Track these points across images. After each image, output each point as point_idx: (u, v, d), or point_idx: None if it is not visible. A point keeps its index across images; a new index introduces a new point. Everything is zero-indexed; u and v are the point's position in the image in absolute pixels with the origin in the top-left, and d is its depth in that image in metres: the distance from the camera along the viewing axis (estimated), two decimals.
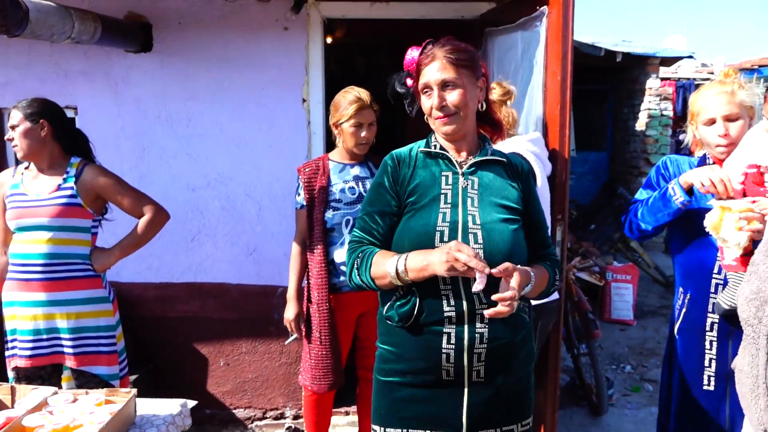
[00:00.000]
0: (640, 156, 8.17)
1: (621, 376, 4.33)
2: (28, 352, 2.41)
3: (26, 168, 2.51)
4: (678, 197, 2.05)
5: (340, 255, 2.64)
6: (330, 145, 3.42)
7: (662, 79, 8.44)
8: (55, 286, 2.38)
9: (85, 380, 2.45)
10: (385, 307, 1.77)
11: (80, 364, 2.44)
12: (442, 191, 1.73)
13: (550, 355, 2.54)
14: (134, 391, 1.96)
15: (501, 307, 1.56)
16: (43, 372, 2.46)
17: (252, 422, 3.59)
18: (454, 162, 1.76)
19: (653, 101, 8.09)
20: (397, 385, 1.75)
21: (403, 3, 3.37)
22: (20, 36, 2.35)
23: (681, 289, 2.22)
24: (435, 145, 1.80)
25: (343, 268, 2.63)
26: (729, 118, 2.05)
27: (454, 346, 1.66)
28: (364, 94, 2.67)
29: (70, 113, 3.35)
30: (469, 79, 1.71)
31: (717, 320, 2.08)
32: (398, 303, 1.72)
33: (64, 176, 2.44)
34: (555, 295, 2.63)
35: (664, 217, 2.13)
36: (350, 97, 2.66)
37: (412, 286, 1.67)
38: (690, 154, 2.37)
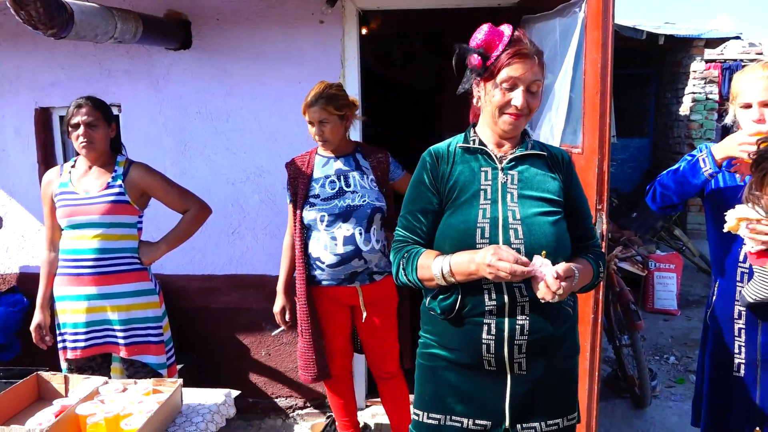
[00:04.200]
0: (684, 142, 7.93)
1: (665, 368, 4.25)
2: (81, 344, 2.50)
3: (72, 166, 2.59)
4: (708, 169, 2.00)
5: (315, 249, 2.64)
6: (366, 137, 3.44)
7: (707, 61, 8.16)
8: (105, 280, 2.47)
9: (135, 369, 2.54)
10: (428, 299, 1.78)
11: (131, 353, 2.53)
12: (482, 187, 1.71)
13: (591, 346, 2.50)
14: (180, 381, 2.02)
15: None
16: (94, 363, 2.57)
17: (293, 411, 3.65)
18: (494, 157, 1.74)
19: (698, 85, 7.83)
20: (441, 370, 1.76)
21: None
22: (66, 38, 2.41)
23: (713, 277, 2.21)
24: (474, 140, 1.78)
25: (318, 262, 2.64)
26: (767, 104, 1.97)
27: (494, 337, 1.66)
28: (314, 90, 2.60)
29: (114, 111, 3.45)
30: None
31: (744, 309, 2.06)
32: (441, 296, 1.72)
33: (113, 174, 2.52)
34: None
35: (690, 188, 2.08)
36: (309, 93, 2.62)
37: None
38: None
